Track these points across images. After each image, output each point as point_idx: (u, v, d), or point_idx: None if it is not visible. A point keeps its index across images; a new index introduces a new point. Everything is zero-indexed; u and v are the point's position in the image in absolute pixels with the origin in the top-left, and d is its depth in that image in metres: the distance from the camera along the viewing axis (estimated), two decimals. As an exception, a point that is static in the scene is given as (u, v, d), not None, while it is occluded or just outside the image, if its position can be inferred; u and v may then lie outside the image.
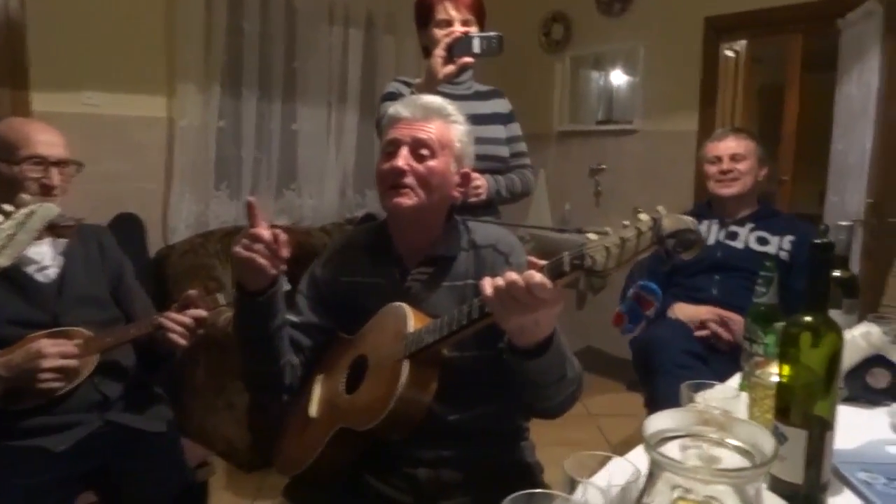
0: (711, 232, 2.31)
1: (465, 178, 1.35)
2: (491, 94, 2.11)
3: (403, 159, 1.27)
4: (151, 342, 1.57)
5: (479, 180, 1.87)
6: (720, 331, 2.09)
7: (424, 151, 1.28)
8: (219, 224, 3.27)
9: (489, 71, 4.13)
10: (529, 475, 1.35)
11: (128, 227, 2.94)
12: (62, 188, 1.56)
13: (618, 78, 4.14)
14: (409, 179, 1.26)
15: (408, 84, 1.91)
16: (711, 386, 1.17)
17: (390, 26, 3.76)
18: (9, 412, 1.42)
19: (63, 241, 1.60)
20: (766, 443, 0.56)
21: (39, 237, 1.46)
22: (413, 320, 1.21)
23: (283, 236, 1.19)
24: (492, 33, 1.80)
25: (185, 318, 1.49)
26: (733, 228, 2.30)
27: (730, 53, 3.73)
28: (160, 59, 3.07)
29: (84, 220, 1.69)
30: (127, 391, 1.60)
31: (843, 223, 1.39)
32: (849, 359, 1.30)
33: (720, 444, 0.58)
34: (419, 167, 1.27)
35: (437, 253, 1.32)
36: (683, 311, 2.20)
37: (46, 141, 1.56)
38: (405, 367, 1.16)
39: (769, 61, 5.70)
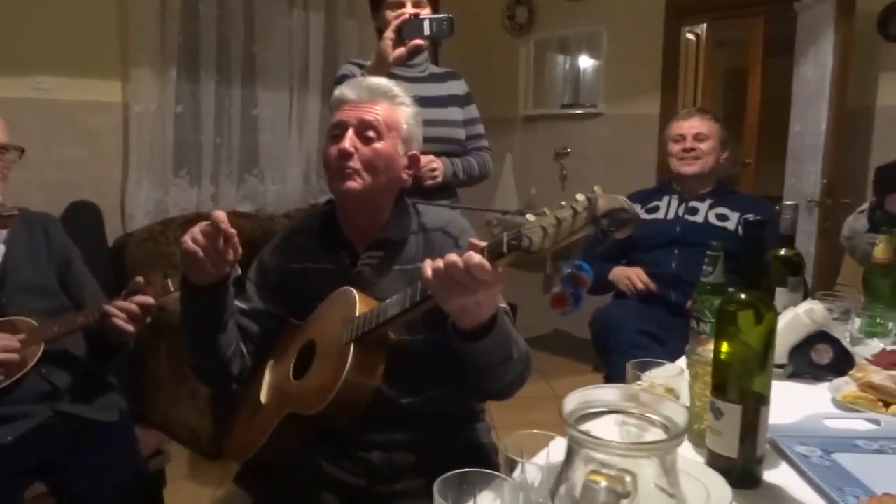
0: (671, 207, 2.35)
1: (414, 161, 1.34)
2: (447, 77, 2.10)
3: (349, 141, 1.25)
4: (103, 331, 1.54)
5: (436, 163, 1.86)
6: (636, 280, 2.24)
7: (370, 133, 1.26)
8: (179, 211, 3.22)
9: (453, 54, 4.13)
10: (483, 456, 1.36)
11: (84, 215, 2.88)
12: (1, 174, 1.52)
13: (583, 62, 4.15)
14: (355, 163, 1.25)
15: (361, 66, 1.89)
16: (660, 365, 1.18)
17: (352, 10, 3.71)
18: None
19: (4, 231, 1.56)
20: (680, 417, 0.57)
21: (7, 248, 1.44)
22: (360, 304, 1.20)
23: (234, 239, 1.16)
24: (442, 15, 1.79)
25: (131, 304, 1.46)
26: (693, 204, 2.35)
27: (691, 37, 3.76)
28: (113, 41, 3.00)
29: (27, 208, 1.66)
30: (77, 380, 1.56)
31: (788, 203, 1.41)
32: (793, 335, 1.32)
33: (641, 418, 0.59)
34: (365, 150, 1.26)
35: (386, 236, 1.31)
36: (615, 273, 2.34)
37: None
38: (351, 351, 1.15)
39: (732, 45, 5.77)
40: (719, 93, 5.82)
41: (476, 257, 0.97)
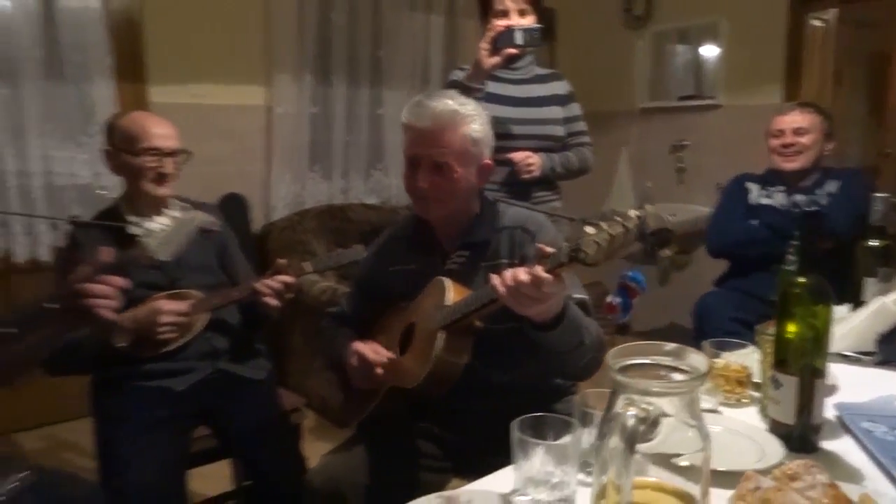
0: (776, 199, 2.36)
1: (485, 170, 1.45)
2: (550, 77, 2.24)
3: (424, 180, 1.38)
4: (253, 304, 1.82)
5: (532, 158, 2.01)
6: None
7: (442, 168, 1.38)
8: (314, 202, 3.56)
9: (569, 49, 4.23)
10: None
11: (234, 206, 3.27)
12: (174, 175, 1.82)
13: (702, 52, 4.10)
14: (433, 193, 1.39)
15: (466, 71, 2.07)
16: (741, 346, 1.29)
17: (470, 11, 3.89)
18: (137, 358, 1.71)
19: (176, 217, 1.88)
20: (702, 365, 0.70)
21: (191, 239, 1.76)
22: (452, 293, 1.36)
23: None
24: (534, 26, 1.94)
25: (275, 282, 1.73)
26: (799, 197, 2.34)
27: (817, 23, 3.62)
28: (258, 52, 3.37)
29: (192, 201, 1.97)
30: (232, 344, 1.86)
31: (880, 195, 1.44)
32: (881, 324, 1.37)
33: (673, 368, 0.73)
34: (440, 182, 1.38)
35: (471, 238, 1.46)
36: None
37: (161, 134, 1.79)
38: (440, 337, 1.32)
39: (872, 28, 5.40)
40: (860, 79, 5.47)
41: (541, 273, 1.09)
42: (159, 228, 1.35)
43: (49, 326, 1.23)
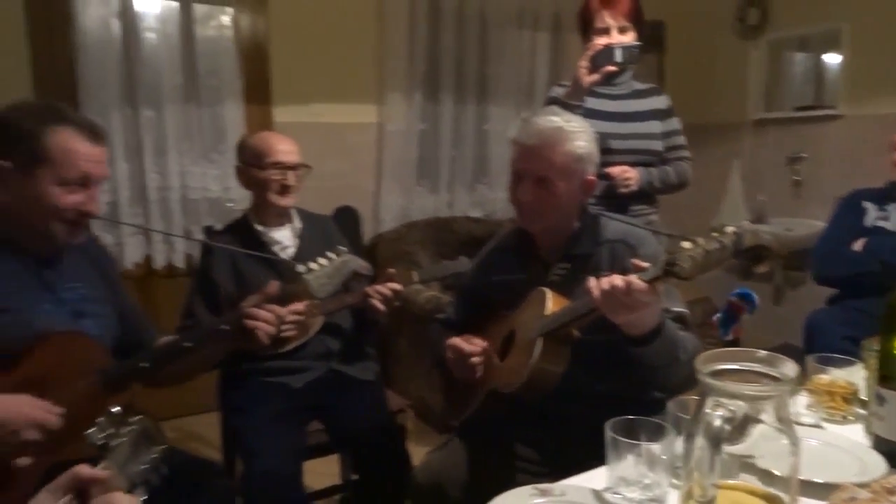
0: (894, 219, 2.23)
1: (589, 185, 1.50)
2: (649, 92, 2.24)
3: (528, 194, 1.45)
4: (363, 309, 1.94)
5: (630, 173, 2.03)
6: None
7: (546, 183, 1.44)
8: (420, 215, 3.70)
9: (678, 60, 4.16)
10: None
11: (347, 218, 3.45)
12: (296, 187, 1.99)
13: (821, 61, 3.92)
14: (535, 208, 1.46)
15: (565, 87, 2.12)
16: (849, 363, 1.26)
17: (575, 27, 3.92)
18: (261, 357, 1.87)
19: (299, 227, 2.05)
20: (791, 371, 0.73)
21: (301, 239, 1.99)
22: (551, 303, 1.41)
23: None
24: (633, 44, 1.96)
25: (385, 289, 1.85)
26: None
27: (952, 27, 3.38)
28: (372, 72, 3.56)
29: (310, 213, 2.14)
30: (345, 347, 2.00)
31: None
32: None
33: (765, 375, 0.75)
34: (543, 196, 1.44)
35: (573, 251, 1.51)
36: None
37: (285, 150, 1.97)
38: (538, 345, 1.37)
39: None
40: None
41: (637, 282, 1.12)
42: (320, 269, 1.49)
43: (220, 342, 1.52)
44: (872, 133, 3.53)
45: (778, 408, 0.72)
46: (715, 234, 1.04)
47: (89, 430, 0.85)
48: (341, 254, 1.53)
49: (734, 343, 3.60)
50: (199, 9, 3.16)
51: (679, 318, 1.37)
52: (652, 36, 4.08)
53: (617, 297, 1.15)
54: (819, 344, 1.97)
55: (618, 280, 1.15)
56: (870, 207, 2.37)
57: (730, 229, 1.03)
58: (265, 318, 1.45)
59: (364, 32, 3.51)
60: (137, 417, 0.89)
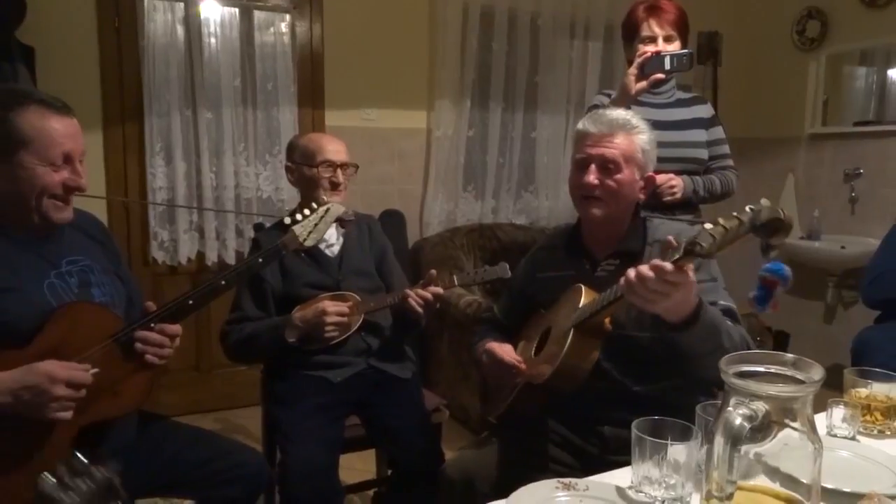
0: None
1: (649, 181, 1.54)
2: (693, 101, 2.24)
3: (593, 175, 1.48)
4: (403, 309, 1.98)
5: (675, 180, 2.02)
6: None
7: (611, 166, 1.48)
8: (465, 221, 3.73)
9: (735, 73, 4.10)
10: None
11: (393, 221, 3.51)
12: (345, 185, 2.05)
13: (889, 75, 3.81)
14: (599, 192, 1.48)
15: (609, 96, 2.13)
16: (890, 377, 1.24)
17: (628, 36, 3.92)
18: (304, 351, 1.93)
19: (343, 228, 2.10)
20: (818, 374, 0.73)
21: (345, 241, 2.02)
22: (584, 297, 1.43)
23: None
24: (683, 51, 1.95)
25: (426, 292, 1.89)
26: None
27: None
28: (423, 78, 3.62)
29: (356, 213, 2.20)
30: (383, 345, 2.04)
31: None
32: None
33: (791, 379, 0.76)
34: (608, 182, 1.48)
35: (623, 247, 1.53)
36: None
37: (334, 149, 2.04)
38: (571, 335, 1.39)
39: None
40: None
41: (664, 265, 1.14)
42: (304, 218, 1.62)
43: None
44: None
45: (801, 411, 0.72)
46: (735, 213, 1.07)
47: (42, 476, 0.79)
48: (323, 203, 1.64)
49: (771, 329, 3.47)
50: (259, 15, 3.28)
51: (727, 312, 1.37)
52: (708, 46, 4.03)
53: (649, 286, 1.16)
54: (868, 363, 1.92)
55: (644, 269, 1.17)
56: None
57: (748, 207, 1.06)
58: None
59: (416, 40, 3.58)
60: (100, 469, 0.81)
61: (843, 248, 3.71)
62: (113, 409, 1.39)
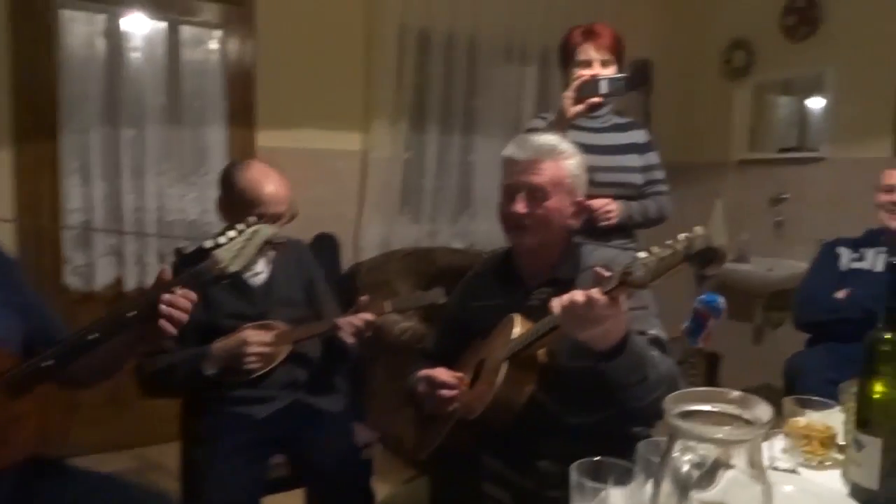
0: (879, 260, 2.22)
1: (581, 206, 1.50)
2: (629, 126, 2.25)
3: (521, 204, 1.44)
4: (334, 338, 1.88)
5: (611, 205, 2.01)
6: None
7: (539, 194, 1.44)
8: (401, 245, 3.64)
9: (665, 100, 4.19)
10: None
11: (326, 245, 3.40)
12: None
13: (805, 104, 3.97)
14: (528, 221, 1.44)
15: (545, 119, 2.11)
16: (829, 405, 1.22)
17: (562, 61, 3.96)
18: (225, 385, 1.80)
19: (272, 252, 1.99)
20: (766, 415, 0.68)
21: (260, 251, 1.87)
22: (517, 327, 1.39)
23: None
24: (618, 75, 1.96)
25: (356, 319, 1.79)
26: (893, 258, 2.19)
27: (934, 74, 3.43)
28: (358, 99, 3.54)
29: (291, 238, 2.08)
30: (312, 377, 1.93)
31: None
32: None
33: (737, 418, 0.71)
34: (537, 210, 1.44)
35: (556, 275, 1.48)
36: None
37: (274, 200, 1.84)
38: (503, 369, 1.34)
39: None
40: None
41: (596, 295, 1.11)
42: (228, 241, 1.43)
43: (127, 333, 1.35)
44: (854, 176, 3.56)
45: (750, 453, 0.67)
46: (668, 242, 1.04)
47: None
48: (251, 224, 1.46)
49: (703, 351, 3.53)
50: (187, 31, 3.15)
51: (655, 342, 1.34)
52: (639, 74, 4.11)
53: (578, 312, 1.14)
54: (801, 386, 1.94)
55: (577, 295, 1.14)
56: (843, 252, 2.41)
57: (682, 236, 1.03)
58: (177, 304, 1.31)
59: (352, 60, 3.50)
60: None
61: (770, 270, 3.81)
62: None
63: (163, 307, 1.31)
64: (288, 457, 1.85)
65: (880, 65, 3.42)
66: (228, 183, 1.90)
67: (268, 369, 1.82)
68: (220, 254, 1.43)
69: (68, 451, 1.52)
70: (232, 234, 1.46)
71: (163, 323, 1.31)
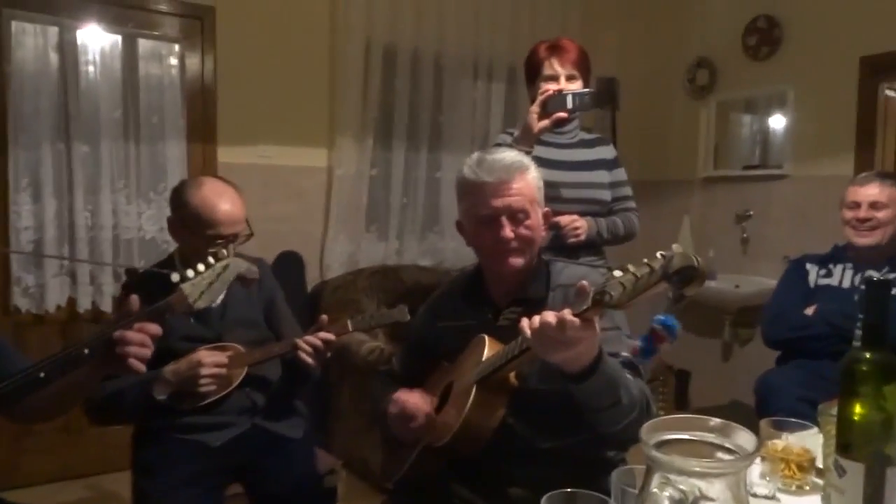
0: (846, 277, 2.22)
1: (547, 218, 1.46)
2: (596, 142, 2.23)
3: (508, 228, 1.37)
4: (294, 360, 1.80)
5: (579, 222, 1.98)
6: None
7: (521, 215, 1.38)
8: (368, 263, 3.57)
9: (631, 118, 4.21)
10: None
11: (290, 264, 3.32)
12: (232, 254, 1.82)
13: (768, 122, 4.02)
14: (518, 244, 1.38)
15: (512, 135, 2.08)
16: (804, 427, 1.18)
17: (529, 78, 3.95)
18: (176, 410, 1.70)
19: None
20: (750, 444, 0.63)
21: (229, 287, 1.78)
22: (487, 349, 1.33)
23: None
24: (585, 90, 1.93)
25: (315, 339, 1.72)
26: (869, 273, 2.20)
27: (891, 93, 3.49)
28: (323, 115, 3.48)
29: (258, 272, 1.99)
30: (271, 401, 1.84)
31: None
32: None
33: (718, 446, 0.66)
34: (522, 231, 1.38)
35: (526, 294, 1.42)
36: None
37: (228, 220, 1.75)
38: (473, 392, 1.28)
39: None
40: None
41: (569, 316, 1.05)
42: (196, 276, 1.35)
43: (82, 371, 1.25)
44: (817, 193, 3.60)
45: (733, 486, 0.62)
46: (646, 261, 0.98)
47: None
48: (223, 258, 1.38)
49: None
50: (145, 44, 3.07)
51: (627, 364, 1.29)
52: (606, 92, 4.13)
53: (550, 334, 1.08)
54: (773, 406, 1.92)
55: (549, 316, 1.08)
56: (812, 269, 2.41)
57: (660, 254, 0.97)
58: (136, 341, 1.23)
59: (316, 75, 3.45)
60: None
61: (737, 287, 3.82)
62: None
63: (129, 349, 1.23)
64: (245, 486, 1.76)
65: (840, 84, 3.48)
66: (180, 202, 1.78)
67: (223, 394, 1.73)
68: (187, 288, 1.35)
69: (17, 482, 1.41)
70: (201, 267, 1.38)
71: (132, 361, 1.23)
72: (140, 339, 1.22)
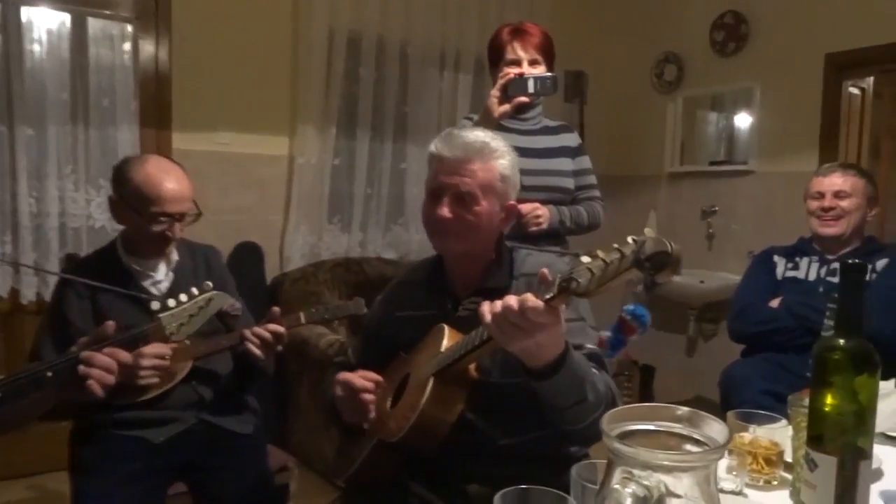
0: (811, 269, 2.21)
1: (511, 211, 1.38)
2: (560, 129, 2.18)
3: (447, 208, 1.30)
4: (245, 354, 1.71)
5: (541, 210, 1.92)
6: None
7: (467, 199, 1.31)
8: (330, 255, 3.48)
9: (599, 112, 4.18)
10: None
11: (249, 255, 3.21)
12: (180, 236, 1.72)
13: (734, 119, 4.03)
14: (455, 226, 1.31)
15: (472, 120, 2.01)
16: (773, 419, 1.14)
17: (498, 70, 3.89)
18: (116, 406, 1.60)
19: (174, 258, 1.80)
20: (721, 436, 0.57)
21: (175, 270, 1.73)
22: (447, 340, 1.27)
23: None
24: (546, 74, 1.88)
25: (264, 331, 1.63)
26: (835, 265, 2.19)
27: (854, 91, 3.53)
28: (284, 102, 3.37)
29: (191, 243, 1.89)
30: (220, 395, 1.75)
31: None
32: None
33: (686, 437, 0.60)
34: (466, 216, 1.31)
35: (487, 284, 1.36)
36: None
37: (174, 197, 1.65)
38: (430, 384, 1.22)
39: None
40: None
41: (530, 299, 0.99)
42: (178, 306, 1.30)
43: (43, 390, 1.22)
44: (782, 189, 3.61)
45: (702, 481, 0.56)
46: (616, 246, 0.92)
47: None
48: (206, 290, 1.30)
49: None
50: (95, 24, 2.92)
51: (592, 357, 1.23)
52: (574, 85, 4.09)
53: (511, 320, 1.01)
54: (737, 398, 1.89)
55: (510, 300, 1.02)
56: (779, 261, 2.39)
57: (630, 239, 0.91)
58: (102, 365, 1.18)
59: (277, 61, 3.34)
60: None
61: (702, 282, 3.82)
62: None
63: (92, 370, 1.18)
64: (189, 485, 1.66)
65: (805, 80, 3.49)
66: (123, 178, 1.68)
67: (167, 388, 1.63)
68: (166, 319, 1.29)
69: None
70: (183, 297, 1.32)
71: (91, 384, 1.18)
72: (107, 364, 1.19)
